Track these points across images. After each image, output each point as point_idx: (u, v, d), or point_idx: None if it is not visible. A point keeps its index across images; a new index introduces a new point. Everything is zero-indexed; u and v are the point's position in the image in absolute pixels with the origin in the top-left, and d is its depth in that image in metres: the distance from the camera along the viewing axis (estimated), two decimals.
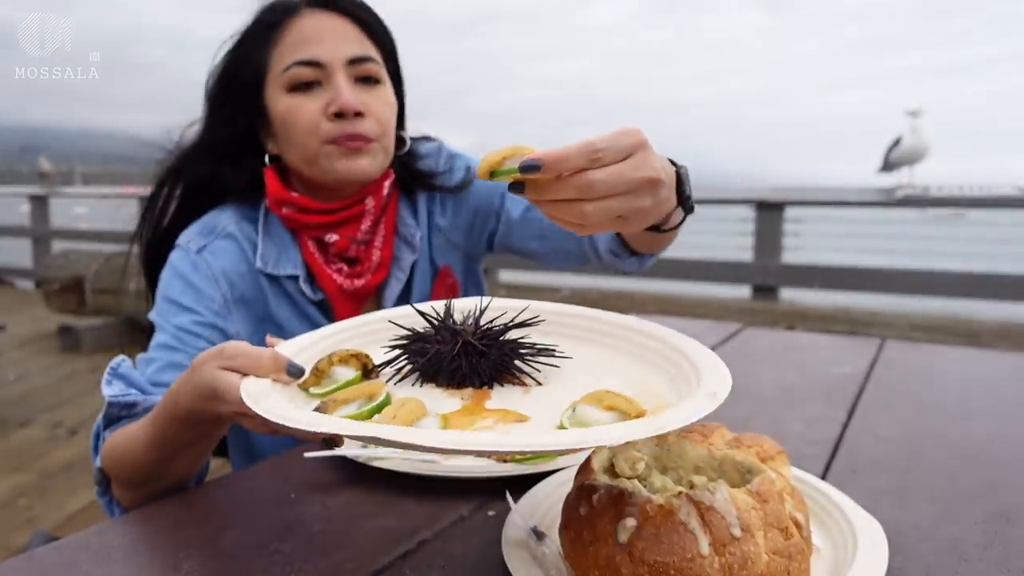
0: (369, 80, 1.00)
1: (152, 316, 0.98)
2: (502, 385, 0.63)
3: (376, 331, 0.72)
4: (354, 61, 0.98)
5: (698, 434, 0.62)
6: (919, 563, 0.60)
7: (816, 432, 0.92)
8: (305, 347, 0.66)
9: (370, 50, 1.00)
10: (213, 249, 1.00)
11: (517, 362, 0.63)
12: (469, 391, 0.62)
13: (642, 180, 0.57)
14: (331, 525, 0.68)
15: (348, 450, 0.80)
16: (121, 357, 0.88)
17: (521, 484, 0.71)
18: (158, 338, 0.95)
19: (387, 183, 1.06)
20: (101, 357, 4.54)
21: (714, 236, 5.07)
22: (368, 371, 0.64)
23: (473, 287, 1.18)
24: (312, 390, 0.62)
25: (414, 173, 1.11)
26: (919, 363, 1.29)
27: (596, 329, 0.71)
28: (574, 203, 0.56)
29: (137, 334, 4.83)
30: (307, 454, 0.77)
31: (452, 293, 1.13)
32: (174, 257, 1.00)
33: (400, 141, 1.08)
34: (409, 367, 0.64)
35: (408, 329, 0.66)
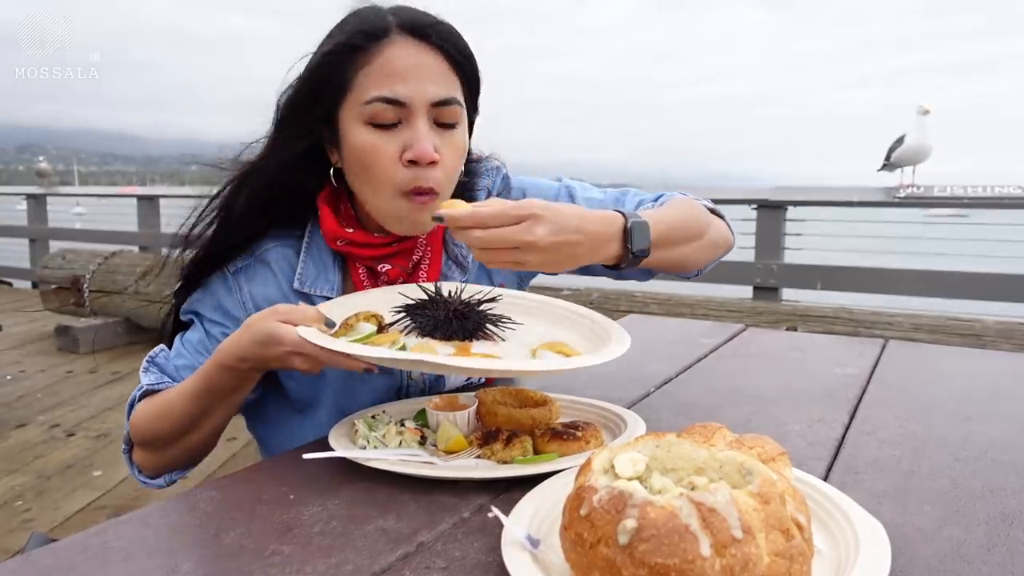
0: (449, 126, 0.97)
1: (185, 313, 1.07)
2: (478, 339, 0.90)
3: (389, 300, 0.96)
4: (437, 104, 0.95)
5: (699, 435, 0.62)
6: (921, 565, 0.60)
7: (818, 433, 0.92)
8: (335, 307, 0.93)
9: (455, 89, 0.97)
10: (248, 273, 1.05)
11: (489, 325, 0.92)
12: (456, 343, 0.88)
13: (520, 242, 0.82)
14: (330, 527, 0.68)
15: (347, 451, 0.80)
16: (161, 346, 1.07)
17: (521, 486, 0.71)
18: (192, 334, 1.05)
19: None
20: (98, 357, 4.54)
21: None
22: (381, 327, 0.89)
23: None
24: (343, 339, 0.85)
25: (466, 199, 1.11)
26: (922, 364, 1.29)
27: (537, 307, 1.01)
28: (472, 248, 0.84)
29: (135, 334, 4.83)
30: (306, 455, 0.77)
31: None
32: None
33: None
34: (413, 325, 0.90)
35: (412, 299, 0.93)
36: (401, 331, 0.91)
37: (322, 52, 0.97)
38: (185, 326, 1.08)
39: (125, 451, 1.06)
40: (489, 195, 1.13)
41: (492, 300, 0.96)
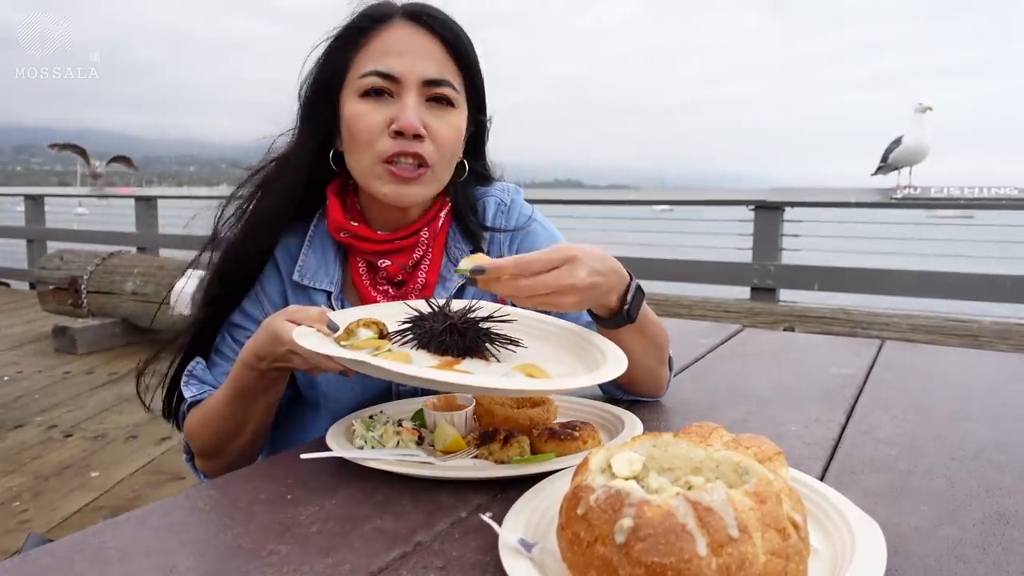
0: (441, 102, 0.99)
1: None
2: (473, 358, 0.87)
3: (397, 313, 0.94)
4: (429, 83, 0.98)
5: (696, 435, 0.62)
6: (918, 564, 0.60)
7: (815, 433, 0.92)
8: (345, 314, 0.92)
9: (450, 73, 1.00)
10: (265, 272, 1.06)
11: (486, 344, 0.88)
12: (448, 358, 0.86)
13: (561, 286, 0.80)
14: (328, 526, 0.68)
15: (345, 452, 0.80)
16: (197, 359, 1.07)
17: (518, 485, 0.71)
18: (221, 341, 1.08)
19: (443, 213, 1.07)
20: (96, 358, 4.53)
21: (713, 237, 5.05)
22: (382, 335, 0.88)
23: None
24: (342, 343, 0.85)
25: (469, 216, 1.10)
26: (918, 364, 1.29)
27: (547, 329, 0.97)
28: (513, 296, 0.81)
29: (133, 335, 4.82)
30: (304, 455, 0.77)
31: None
32: None
33: (461, 168, 1.07)
34: (411, 335, 0.88)
35: (416, 311, 0.91)
36: (402, 342, 0.89)
37: (330, 37, 1.01)
38: (214, 335, 1.08)
39: (187, 460, 1.09)
40: (500, 206, 1.13)
41: (501, 320, 0.91)
